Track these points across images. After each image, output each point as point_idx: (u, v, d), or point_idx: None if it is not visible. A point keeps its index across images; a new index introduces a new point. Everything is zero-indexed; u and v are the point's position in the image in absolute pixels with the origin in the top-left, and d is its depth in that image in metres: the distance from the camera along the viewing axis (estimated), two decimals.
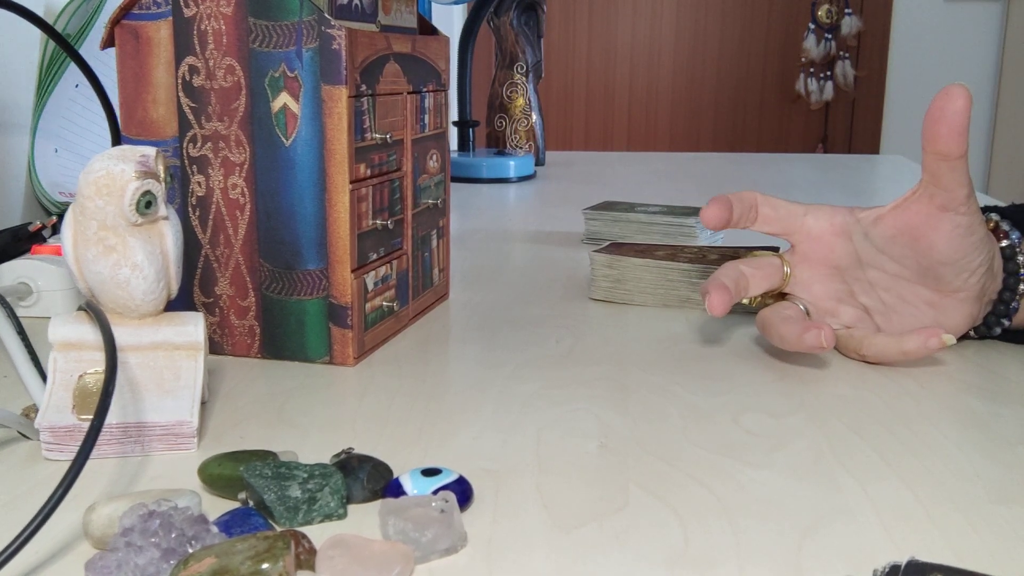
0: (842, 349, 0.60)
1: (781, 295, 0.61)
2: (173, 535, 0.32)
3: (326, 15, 0.53)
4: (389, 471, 0.40)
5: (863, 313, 0.59)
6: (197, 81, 0.55)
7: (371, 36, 0.57)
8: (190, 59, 0.55)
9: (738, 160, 1.79)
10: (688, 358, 0.59)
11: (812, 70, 3.43)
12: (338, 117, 0.54)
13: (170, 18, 0.55)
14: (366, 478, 0.39)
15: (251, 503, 0.38)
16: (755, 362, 0.59)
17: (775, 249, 0.75)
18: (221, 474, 0.39)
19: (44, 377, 0.45)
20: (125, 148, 0.46)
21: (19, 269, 0.66)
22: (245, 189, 0.56)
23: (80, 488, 0.41)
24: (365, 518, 0.38)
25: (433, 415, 0.49)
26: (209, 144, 0.56)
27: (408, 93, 0.62)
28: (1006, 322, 0.59)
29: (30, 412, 0.46)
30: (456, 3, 1.55)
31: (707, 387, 0.54)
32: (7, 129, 0.93)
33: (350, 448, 0.42)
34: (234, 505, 0.39)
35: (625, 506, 0.39)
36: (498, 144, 1.61)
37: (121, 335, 0.45)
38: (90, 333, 0.45)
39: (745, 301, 0.61)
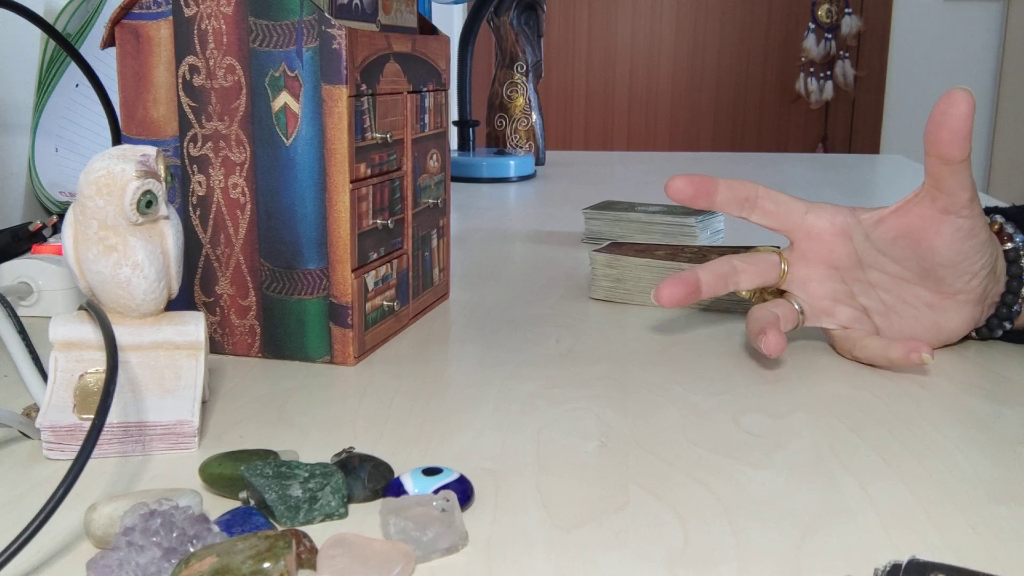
0: (838, 349, 0.60)
1: (779, 292, 0.61)
2: (174, 534, 0.32)
3: (326, 14, 0.53)
4: (390, 470, 0.40)
5: (861, 314, 0.59)
6: (197, 81, 0.55)
7: (371, 36, 0.57)
8: (190, 58, 0.55)
9: (738, 160, 1.79)
10: (688, 358, 0.59)
11: (812, 70, 3.43)
12: (338, 117, 0.54)
13: (170, 17, 0.55)
14: (367, 477, 0.39)
15: (252, 502, 0.38)
16: (755, 362, 0.59)
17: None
18: (222, 473, 0.39)
19: (45, 376, 0.45)
20: (125, 147, 0.46)
21: (19, 269, 0.66)
22: (245, 189, 0.56)
23: (81, 487, 0.41)
24: (366, 517, 0.38)
25: (433, 414, 0.49)
26: (209, 144, 0.56)
27: (408, 93, 0.62)
28: (1008, 325, 0.60)
29: (31, 411, 0.46)
30: (456, 3, 1.55)
31: (707, 387, 0.54)
32: (7, 129, 0.93)
33: (351, 447, 0.42)
34: (235, 504, 0.39)
35: (625, 505, 0.39)
36: (498, 144, 1.61)
37: (122, 334, 0.45)
38: (91, 332, 0.45)
39: (744, 295, 0.61)
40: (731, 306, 0.70)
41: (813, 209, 0.59)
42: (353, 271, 0.56)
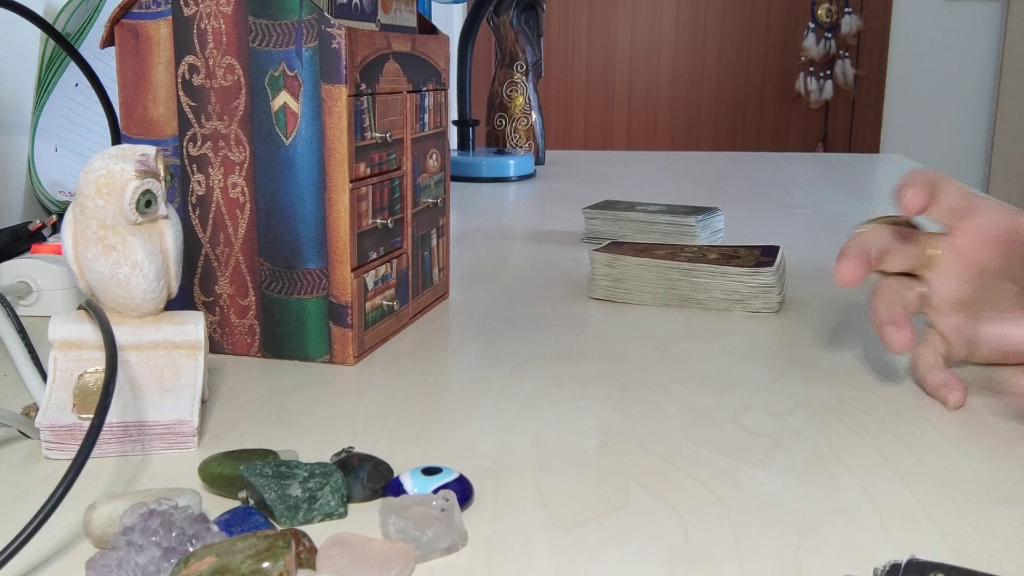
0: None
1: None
2: (174, 534, 0.32)
3: (326, 14, 0.53)
4: (389, 470, 0.40)
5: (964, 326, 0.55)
6: (197, 80, 0.55)
7: (371, 35, 0.57)
8: (190, 58, 0.55)
9: (738, 159, 1.79)
10: (688, 357, 0.59)
11: (812, 69, 3.43)
12: (338, 116, 0.54)
13: (170, 17, 0.55)
14: (366, 477, 0.39)
15: (251, 502, 0.38)
16: (755, 362, 0.59)
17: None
18: (221, 473, 0.39)
19: (44, 376, 0.45)
20: (125, 147, 0.46)
21: (19, 268, 0.66)
22: (245, 188, 0.56)
23: (80, 487, 0.41)
24: (365, 517, 0.38)
25: (433, 414, 0.49)
26: (209, 143, 0.56)
27: (408, 92, 0.62)
28: None
29: (30, 411, 0.46)
30: (456, 2, 1.55)
31: (707, 386, 0.54)
32: (7, 128, 0.93)
33: (350, 447, 0.42)
34: (234, 504, 0.39)
35: (625, 505, 0.39)
36: (498, 143, 1.61)
37: (121, 334, 0.45)
38: (90, 332, 0.45)
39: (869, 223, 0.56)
40: (730, 306, 0.70)
41: (983, 206, 0.54)
42: (353, 271, 0.56)
